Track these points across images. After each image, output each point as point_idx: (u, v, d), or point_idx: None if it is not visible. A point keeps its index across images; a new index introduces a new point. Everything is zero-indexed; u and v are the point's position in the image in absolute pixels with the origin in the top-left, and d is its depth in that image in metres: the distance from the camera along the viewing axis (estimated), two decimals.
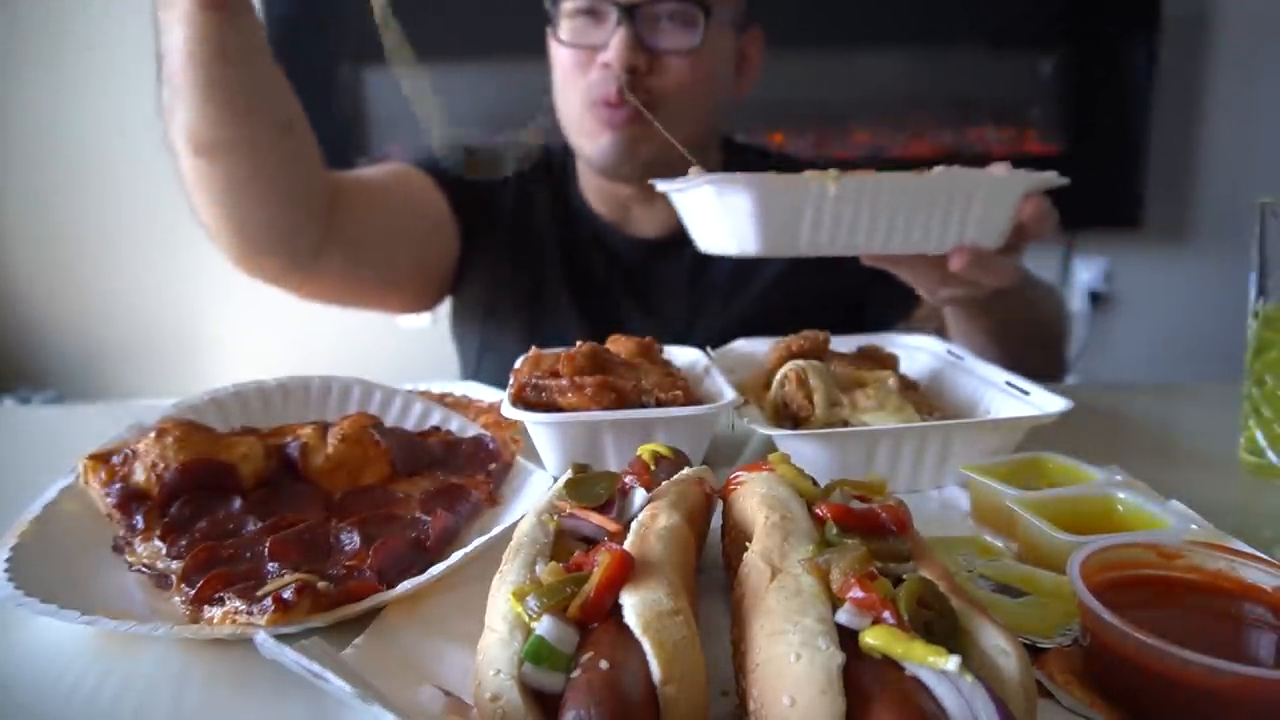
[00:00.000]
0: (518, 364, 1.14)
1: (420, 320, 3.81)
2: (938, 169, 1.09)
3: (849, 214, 1.06)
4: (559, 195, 1.89)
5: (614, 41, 1.56)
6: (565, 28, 1.66)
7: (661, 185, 1.11)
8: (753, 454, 1.16)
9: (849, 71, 3.70)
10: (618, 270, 1.84)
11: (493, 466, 1.03)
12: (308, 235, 1.57)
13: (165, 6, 1.27)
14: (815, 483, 0.75)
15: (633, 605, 0.54)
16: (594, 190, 1.86)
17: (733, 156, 1.91)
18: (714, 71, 1.69)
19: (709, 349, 1.30)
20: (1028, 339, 1.60)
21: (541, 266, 1.84)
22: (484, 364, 1.92)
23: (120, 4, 3.62)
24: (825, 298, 1.70)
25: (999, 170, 1.17)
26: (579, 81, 1.65)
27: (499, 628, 0.56)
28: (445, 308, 2.03)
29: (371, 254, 1.72)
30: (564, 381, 1.03)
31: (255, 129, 1.38)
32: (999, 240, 1.16)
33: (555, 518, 0.70)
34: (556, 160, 1.92)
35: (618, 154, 1.66)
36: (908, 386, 1.15)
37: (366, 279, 1.75)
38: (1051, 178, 1.14)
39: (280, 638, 0.62)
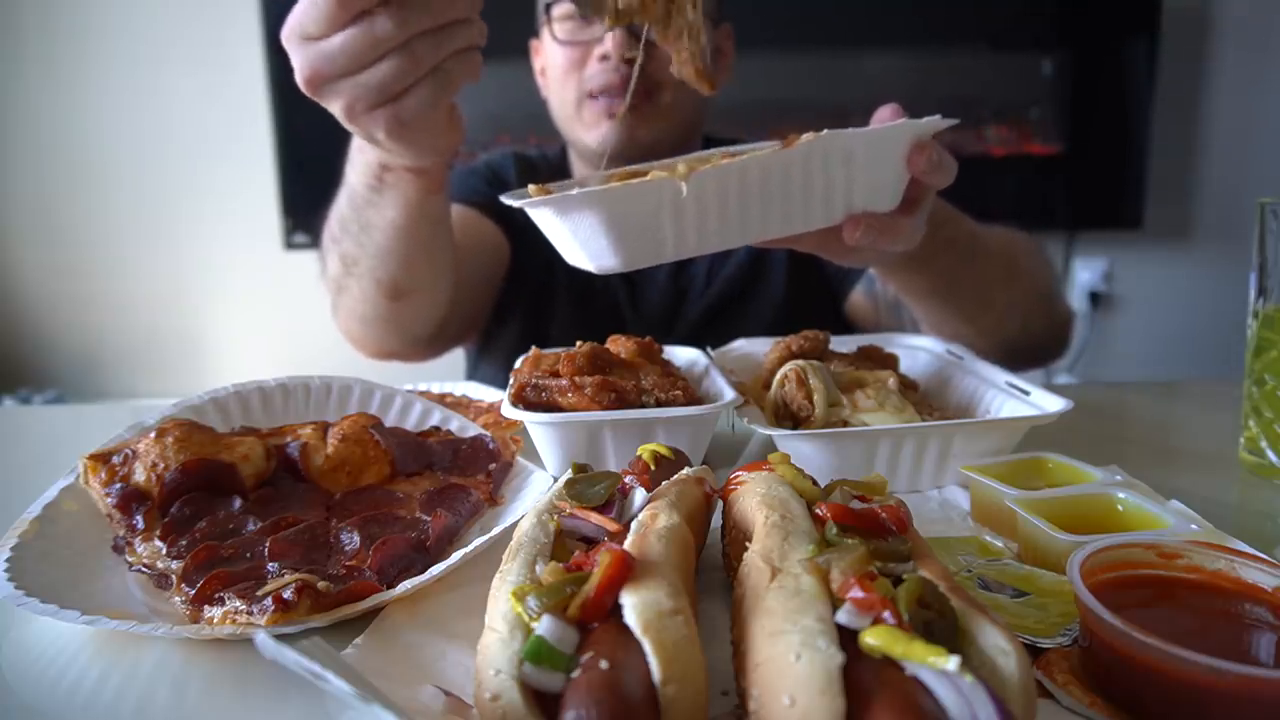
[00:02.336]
0: (518, 364, 1.14)
1: None
2: (805, 136, 0.95)
3: (714, 208, 0.94)
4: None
5: (610, 36, 1.64)
6: (560, 29, 1.73)
7: (508, 199, 0.98)
8: (753, 454, 1.16)
9: (849, 71, 3.70)
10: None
11: (493, 466, 1.03)
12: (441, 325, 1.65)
13: (375, 184, 1.29)
14: (815, 483, 0.75)
15: (633, 605, 0.54)
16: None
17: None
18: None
19: (709, 349, 1.30)
20: (987, 297, 1.51)
21: (542, 269, 1.85)
22: (481, 363, 1.94)
23: (121, 4, 3.62)
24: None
25: (877, 119, 1.08)
26: (575, 77, 1.72)
27: (499, 627, 0.56)
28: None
29: (470, 308, 1.79)
30: (564, 381, 1.03)
31: (443, 271, 1.50)
32: (894, 200, 1.03)
33: (555, 518, 0.70)
34: (550, 163, 1.97)
35: (618, 140, 1.71)
36: (908, 386, 1.15)
37: (455, 326, 1.78)
38: (935, 121, 1.00)
39: (280, 638, 0.62)
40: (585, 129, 1.76)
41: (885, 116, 1.07)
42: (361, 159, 1.28)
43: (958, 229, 1.41)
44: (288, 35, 0.99)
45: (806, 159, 0.96)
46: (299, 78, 1.00)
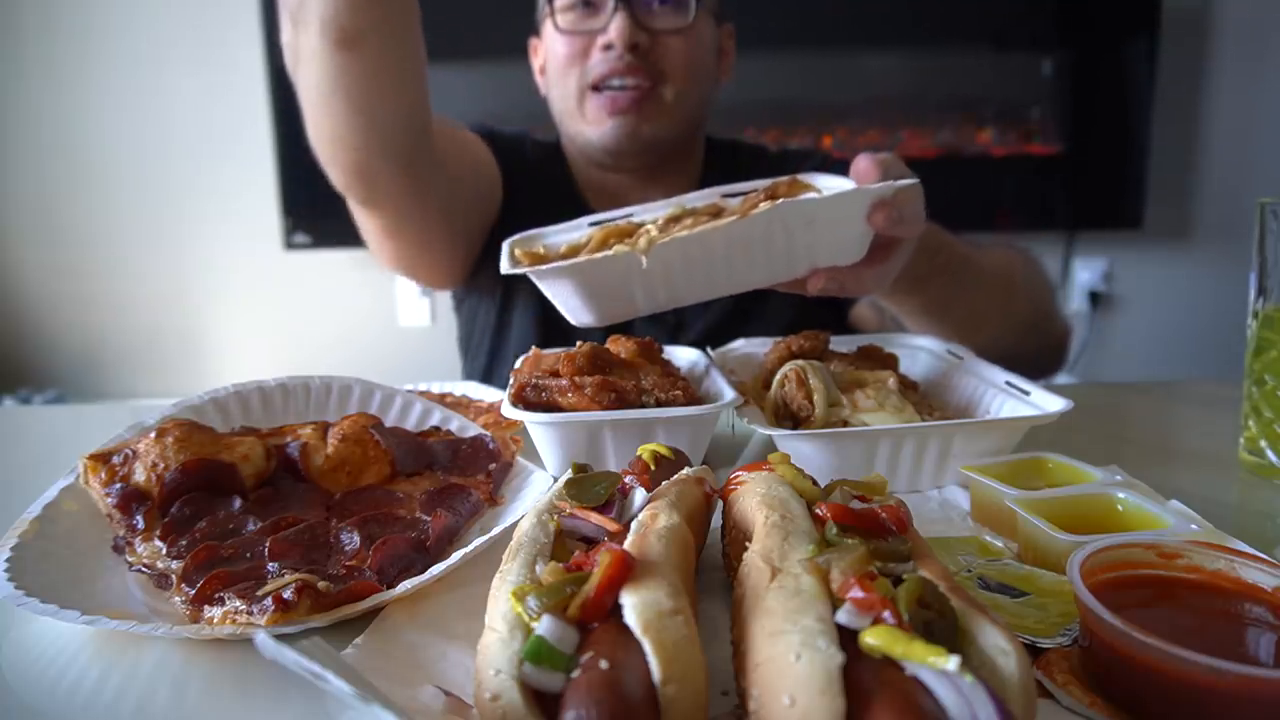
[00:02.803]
0: (518, 364, 1.14)
1: (420, 319, 3.81)
2: (762, 206, 1.02)
3: (679, 273, 1.04)
4: (554, 191, 1.90)
5: (615, 23, 1.63)
6: (562, 19, 1.71)
7: (507, 270, 1.10)
8: (753, 454, 1.16)
9: (849, 71, 3.70)
10: None
11: (493, 466, 1.03)
12: (428, 147, 1.54)
13: None
14: (815, 483, 0.75)
15: (633, 605, 0.54)
16: (588, 184, 1.88)
17: (713, 154, 1.94)
18: (705, 55, 1.77)
19: (709, 349, 1.30)
20: (981, 318, 1.55)
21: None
22: (499, 351, 1.90)
23: (122, 5, 3.62)
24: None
25: (855, 170, 1.13)
26: (577, 69, 1.71)
27: (499, 627, 0.56)
28: (446, 307, 2.03)
29: (453, 199, 1.69)
30: (564, 381, 1.03)
31: (393, 10, 1.34)
32: (859, 254, 1.09)
33: (555, 518, 0.70)
34: (550, 157, 1.94)
35: (621, 136, 1.71)
36: (908, 386, 1.15)
37: (439, 227, 1.71)
38: (892, 185, 1.05)
39: (280, 638, 0.62)
40: (587, 124, 1.74)
41: (861, 167, 1.11)
42: None
43: (951, 254, 1.44)
44: None
45: (768, 225, 1.02)
46: None
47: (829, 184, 1.20)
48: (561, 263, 1.04)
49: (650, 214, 1.22)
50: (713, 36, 1.80)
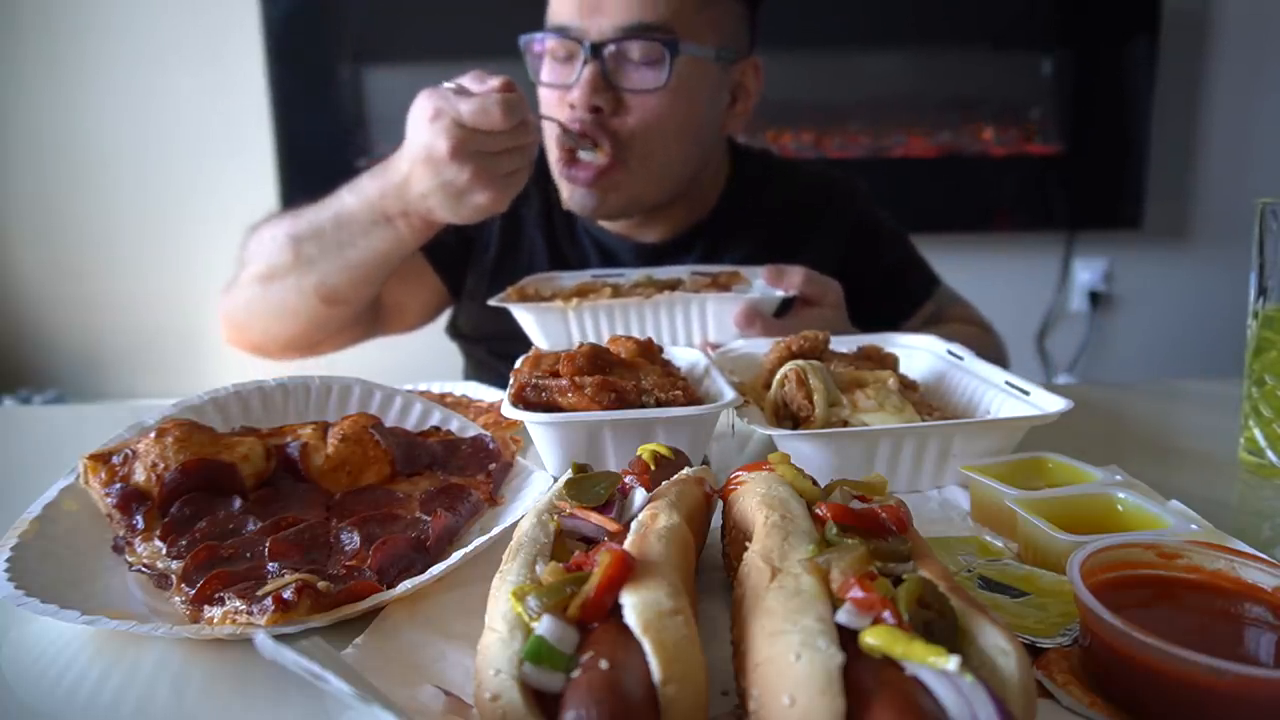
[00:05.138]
0: (518, 364, 1.14)
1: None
2: (664, 293, 1.49)
3: (603, 326, 1.46)
4: (555, 204, 1.90)
5: (581, 78, 1.57)
6: (544, 67, 1.67)
7: (493, 303, 1.50)
8: (753, 454, 1.16)
9: (849, 71, 3.70)
10: None
11: (493, 466, 1.03)
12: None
13: (386, 225, 1.50)
14: (815, 483, 0.75)
15: (633, 605, 0.54)
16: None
17: (743, 169, 1.92)
18: (690, 109, 1.66)
19: (709, 350, 1.30)
20: None
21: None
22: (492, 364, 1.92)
23: (122, 4, 3.62)
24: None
25: (758, 286, 1.54)
26: (553, 124, 1.64)
27: (499, 627, 0.56)
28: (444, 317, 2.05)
29: (380, 302, 1.83)
30: (564, 381, 1.03)
31: (379, 283, 1.65)
32: (734, 335, 1.44)
33: (555, 518, 0.70)
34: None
35: (590, 206, 1.68)
36: (908, 386, 1.15)
37: (373, 325, 1.89)
38: (758, 299, 1.46)
39: (280, 638, 0.62)
40: (563, 185, 1.69)
41: (741, 310, 1.43)
42: (371, 192, 1.48)
43: None
44: (434, 116, 1.34)
45: (670, 306, 1.47)
46: (443, 146, 1.33)
47: (757, 283, 1.58)
48: (523, 304, 1.47)
49: (628, 277, 1.62)
50: (713, 85, 1.70)
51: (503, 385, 1.17)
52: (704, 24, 1.62)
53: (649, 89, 1.59)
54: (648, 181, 1.68)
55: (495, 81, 1.37)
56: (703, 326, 1.47)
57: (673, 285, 1.57)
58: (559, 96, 1.62)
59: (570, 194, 1.68)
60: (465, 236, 1.87)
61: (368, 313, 1.80)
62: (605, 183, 1.63)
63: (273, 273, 1.63)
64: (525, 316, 1.48)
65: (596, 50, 1.56)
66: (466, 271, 1.91)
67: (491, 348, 1.89)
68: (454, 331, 2.03)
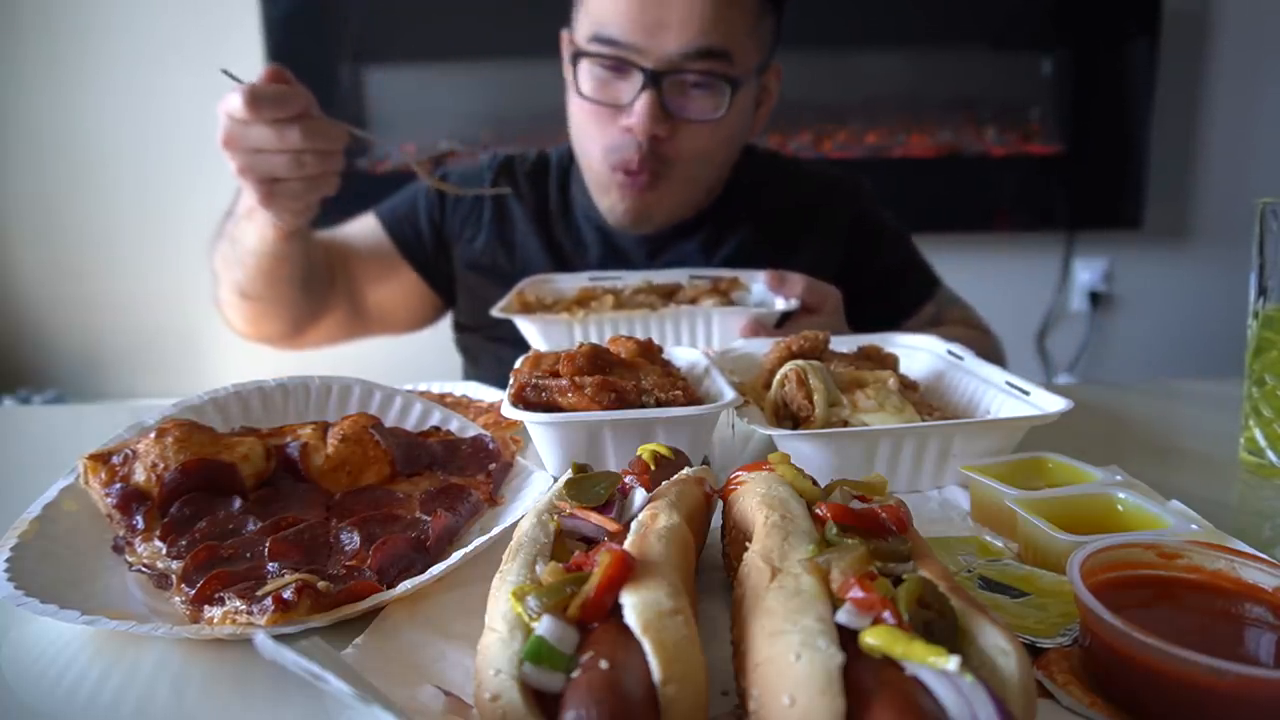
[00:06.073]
0: (518, 364, 1.14)
1: None
2: (670, 306, 1.53)
3: (607, 334, 1.44)
4: (560, 197, 1.90)
5: (638, 107, 1.56)
6: (586, 75, 1.63)
7: (496, 313, 1.52)
8: (753, 454, 1.16)
9: (849, 71, 3.70)
10: (624, 267, 1.85)
11: (493, 466, 1.03)
12: (312, 312, 1.84)
13: (247, 215, 1.58)
14: (815, 483, 0.75)
15: (633, 605, 0.54)
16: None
17: (748, 166, 1.92)
18: (734, 132, 1.72)
19: (709, 350, 1.30)
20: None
21: (539, 268, 1.85)
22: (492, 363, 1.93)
23: (122, 4, 3.62)
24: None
25: (758, 291, 1.59)
26: (598, 135, 1.65)
27: (499, 627, 0.56)
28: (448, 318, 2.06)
29: (364, 302, 1.93)
30: (564, 381, 1.03)
31: (285, 291, 1.72)
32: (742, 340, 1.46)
33: (555, 518, 0.70)
34: (558, 164, 1.93)
35: (633, 218, 1.72)
36: (908, 386, 1.15)
37: (360, 323, 1.98)
38: (763, 313, 1.48)
39: (280, 638, 0.62)
40: (604, 195, 1.73)
41: (745, 323, 1.46)
42: (245, 194, 1.55)
43: None
44: (221, 106, 1.40)
45: (676, 319, 1.50)
46: (219, 136, 1.40)
47: (756, 287, 1.62)
48: (528, 315, 1.50)
49: (627, 280, 1.65)
50: (751, 101, 1.73)
51: (503, 383, 1.17)
52: (752, 45, 1.64)
53: (707, 120, 1.61)
54: (688, 194, 1.75)
55: (265, 71, 1.43)
56: (707, 338, 1.49)
57: (672, 290, 1.60)
58: (609, 114, 1.62)
59: (611, 207, 1.73)
60: (441, 237, 1.92)
61: (345, 307, 1.89)
62: (649, 198, 1.68)
63: (217, 270, 1.78)
64: (529, 327, 1.48)
65: (656, 77, 1.54)
66: (451, 271, 1.93)
67: (487, 334, 1.89)
68: (457, 329, 2.03)
